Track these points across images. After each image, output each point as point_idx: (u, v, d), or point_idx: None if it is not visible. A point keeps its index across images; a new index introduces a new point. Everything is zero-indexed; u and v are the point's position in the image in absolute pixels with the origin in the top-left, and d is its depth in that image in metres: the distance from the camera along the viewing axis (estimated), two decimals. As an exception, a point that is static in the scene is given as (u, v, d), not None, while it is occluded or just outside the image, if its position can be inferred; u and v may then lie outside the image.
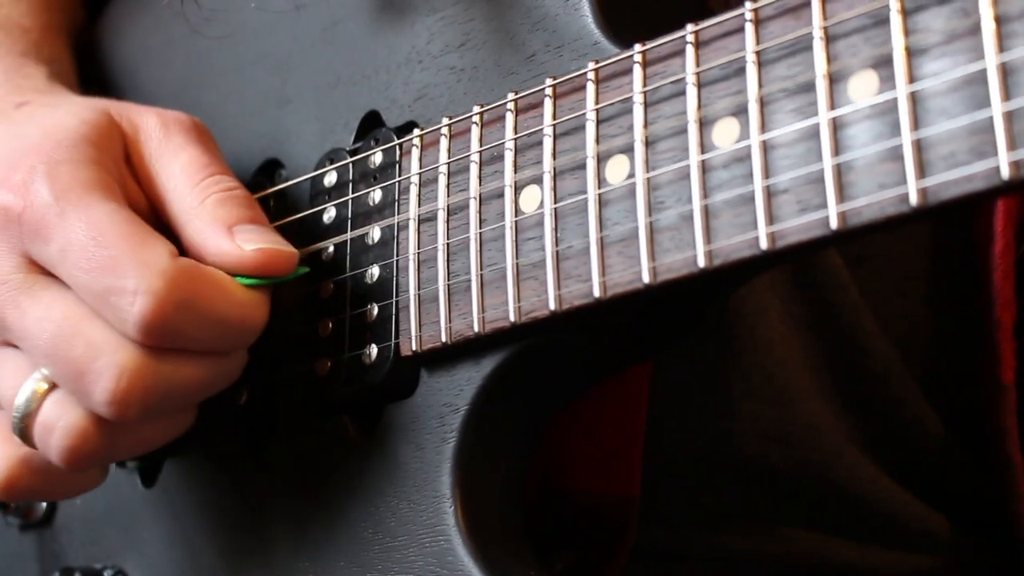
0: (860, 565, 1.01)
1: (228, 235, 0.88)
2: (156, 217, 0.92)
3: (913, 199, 0.64)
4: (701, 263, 0.72)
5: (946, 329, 1.01)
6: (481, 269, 0.82)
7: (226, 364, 0.90)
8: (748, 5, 0.72)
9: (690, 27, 0.75)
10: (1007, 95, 0.62)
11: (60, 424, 0.88)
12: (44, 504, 1.13)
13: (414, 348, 0.86)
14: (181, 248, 0.89)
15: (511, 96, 0.83)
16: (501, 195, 0.82)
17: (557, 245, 0.79)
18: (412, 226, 0.87)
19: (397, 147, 0.90)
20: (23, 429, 0.90)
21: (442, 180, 0.86)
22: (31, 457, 0.92)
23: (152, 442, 0.92)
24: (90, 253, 0.85)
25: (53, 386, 0.89)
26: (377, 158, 0.91)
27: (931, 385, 1.01)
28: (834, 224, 0.67)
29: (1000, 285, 0.96)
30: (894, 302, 1.00)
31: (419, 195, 0.87)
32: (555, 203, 0.79)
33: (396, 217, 0.88)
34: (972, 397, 0.99)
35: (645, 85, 0.76)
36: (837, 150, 0.67)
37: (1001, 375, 0.97)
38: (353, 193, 0.92)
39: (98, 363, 0.85)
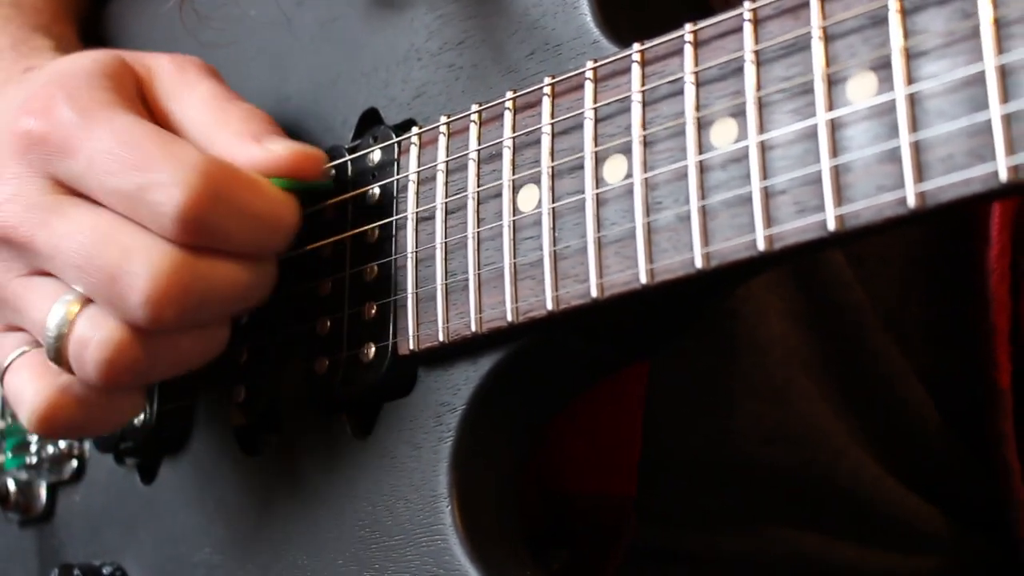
0: (861, 566, 1.01)
1: (257, 143, 0.87)
2: None
3: (911, 201, 0.64)
4: (698, 264, 0.72)
5: (945, 331, 1.01)
6: (479, 268, 0.82)
7: (259, 272, 0.88)
8: (747, 5, 0.72)
9: (688, 27, 0.75)
10: (1006, 97, 0.61)
11: (96, 338, 0.85)
12: (44, 500, 1.14)
13: (412, 347, 0.86)
14: None
15: (509, 94, 0.83)
16: (499, 194, 0.82)
17: (555, 245, 0.79)
18: (410, 225, 0.87)
19: (396, 145, 0.90)
20: (58, 351, 0.87)
21: (440, 178, 0.86)
22: (68, 385, 0.90)
23: (189, 359, 0.89)
24: (120, 156, 0.84)
25: (85, 304, 0.86)
26: (376, 156, 0.91)
27: (933, 385, 1.01)
28: (832, 226, 0.67)
29: (996, 289, 0.96)
30: (895, 302, 1.00)
31: (417, 193, 0.87)
32: (553, 203, 0.79)
33: (394, 215, 0.88)
34: (972, 399, 0.99)
35: (643, 84, 0.76)
36: (835, 151, 0.67)
37: (998, 379, 0.97)
38: (351, 191, 0.92)
39: (133, 265, 0.83)
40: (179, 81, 0.93)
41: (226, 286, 0.85)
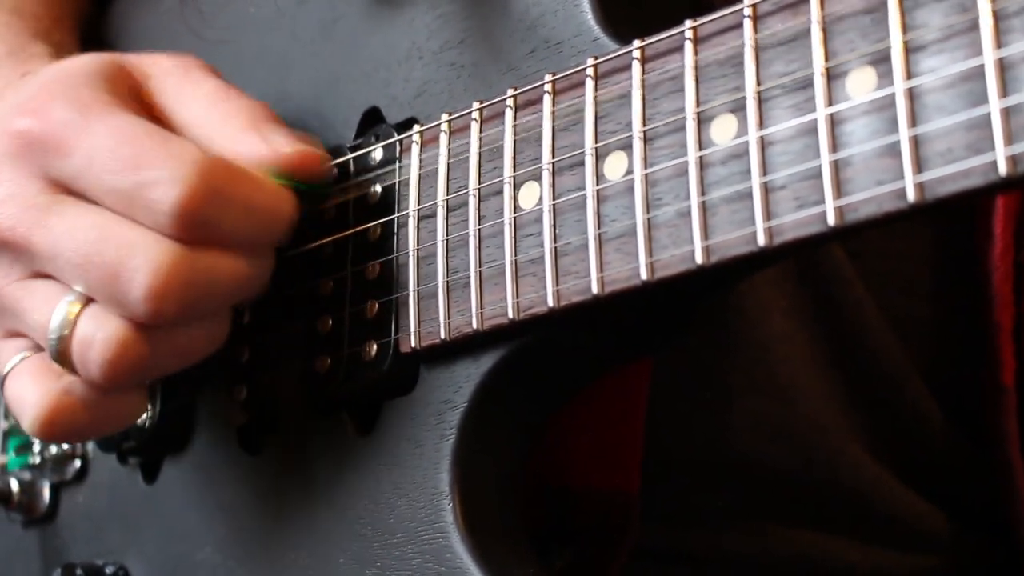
0: (861, 565, 1.01)
1: (262, 139, 0.87)
2: None
3: (910, 195, 0.64)
4: (699, 259, 0.72)
5: (948, 328, 1.01)
6: (480, 265, 0.82)
7: (258, 264, 0.88)
8: (747, 1, 0.72)
9: (689, 23, 0.75)
10: (1005, 91, 0.61)
11: (99, 336, 0.85)
12: (46, 500, 1.14)
13: (413, 345, 0.86)
14: None
15: (511, 92, 0.83)
16: (500, 191, 0.82)
17: (556, 241, 0.79)
18: (412, 222, 0.87)
19: (397, 143, 0.90)
20: (61, 352, 0.87)
21: (442, 176, 0.86)
22: (71, 386, 0.89)
23: (191, 353, 0.89)
24: (117, 154, 0.84)
25: (87, 304, 0.86)
26: (377, 154, 0.91)
27: (935, 383, 1.01)
28: (832, 220, 0.67)
29: (999, 287, 0.96)
30: (897, 299, 1.00)
31: (419, 191, 0.87)
32: (554, 199, 0.79)
33: (396, 213, 0.88)
34: (974, 396, 0.99)
35: (644, 81, 0.76)
36: (835, 146, 0.67)
37: (1001, 377, 0.97)
38: (354, 189, 0.92)
39: (134, 260, 0.83)
40: (181, 80, 0.93)
41: (226, 278, 0.86)
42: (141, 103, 0.92)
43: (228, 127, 0.88)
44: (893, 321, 0.99)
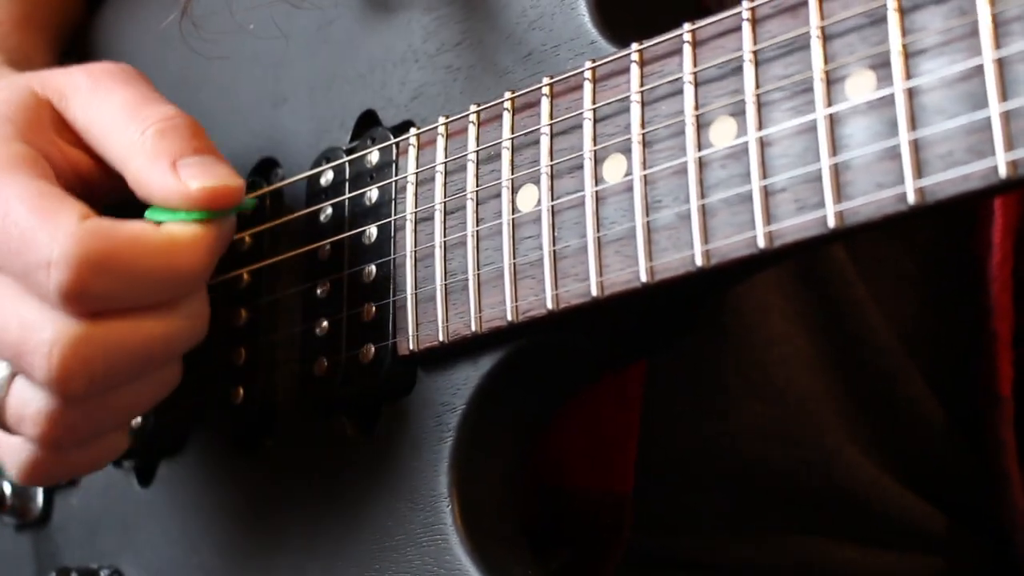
0: (858, 567, 1.01)
1: (172, 170, 0.85)
2: (102, 170, 0.91)
3: (911, 198, 0.64)
4: (699, 262, 0.72)
5: (947, 333, 1.01)
6: (478, 268, 0.82)
7: (174, 318, 0.86)
8: (745, 4, 0.72)
9: (687, 26, 0.75)
10: (1004, 95, 0.62)
11: (28, 412, 0.86)
12: (40, 504, 1.13)
13: (411, 347, 0.86)
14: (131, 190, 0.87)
15: (508, 95, 0.83)
16: (498, 194, 0.82)
17: (554, 244, 0.79)
18: (409, 225, 0.87)
19: (394, 146, 0.90)
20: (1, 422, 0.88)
21: (439, 179, 0.86)
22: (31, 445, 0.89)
23: (138, 405, 0.89)
24: (8, 233, 0.83)
25: (14, 377, 0.87)
26: (374, 157, 0.91)
27: (936, 386, 1.01)
28: (832, 223, 0.67)
29: (998, 296, 0.96)
30: (898, 301, 1.00)
31: (416, 194, 0.87)
32: (552, 202, 0.79)
33: (393, 216, 0.88)
34: (974, 405, 0.99)
35: (642, 84, 0.76)
36: (835, 149, 0.67)
37: (998, 387, 0.97)
38: (350, 192, 0.92)
39: (32, 341, 0.83)
40: (95, 92, 0.91)
41: (135, 343, 0.84)
42: (62, 131, 0.92)
43: (139, 158, 0.86)
44: (893, 323, 0.99)
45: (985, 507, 1.00)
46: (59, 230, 0.82)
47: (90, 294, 0.82)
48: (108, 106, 0.90)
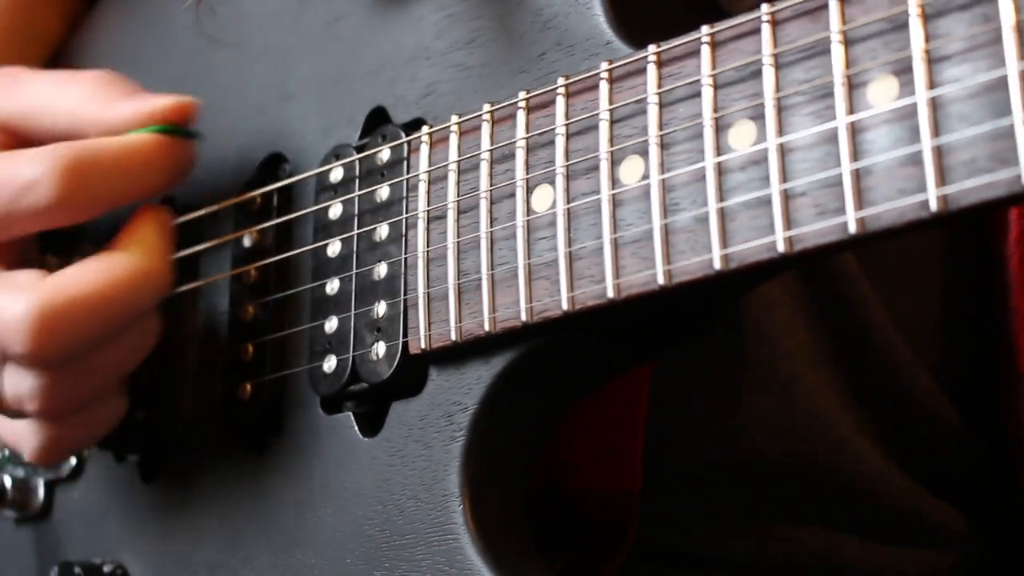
0: (869, 562, 1.01)
1: (127, 100, 0.92)
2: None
3: (933, 205, 0.64)
4: (717, 266, 0.72)
5: (959, 321, 1.01)
6: (492, 268, 0.82)
7: (140, 256, 0.92)
8: (765, 7, 0.72)
9: (705, 28, 0.75)
10: (1029, 102, 0.62)
11: (23, 393, 0.91)
12: (41, 497, 1.13)
13: (423, 347, 0.85)
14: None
15: (522, 95, 0.83)
16: (512, 194, 0.82)
17: (570, 245, 0.79)
18: (421, 224, 0.87)
19: (406, 144, 0.90)
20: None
21: (452, 178, 0.86)
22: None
23: (126, 362, 0.94)
24: None
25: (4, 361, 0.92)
26: (385, 155, 0.91)
27: (945, 378, 1.01)
28: (853, 229, 0.67)
29: (1016, 272, 0.96)
30: (904, 295, 1.00)
31: (428, 193, 0.87)
32: (568, 203, 0.79)
33: (405, 214, 0.88)
34: (987, 391, 0.99)
35: (660, 86, 0.76)
36: (856, 155, 0.67)
37: (1019, 364, 0.97)
38: (360, 190, 0.92)
39: (2, 327, 0.88)
40: (15, 87, 0.96)
41: (100, 294, 0.89)
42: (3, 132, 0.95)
43: (90, 105, 0.92)
44: (899, 317, 0.99)
45: (1000, 497, 1.00)
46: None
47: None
48: (38, 87, 0.95)
